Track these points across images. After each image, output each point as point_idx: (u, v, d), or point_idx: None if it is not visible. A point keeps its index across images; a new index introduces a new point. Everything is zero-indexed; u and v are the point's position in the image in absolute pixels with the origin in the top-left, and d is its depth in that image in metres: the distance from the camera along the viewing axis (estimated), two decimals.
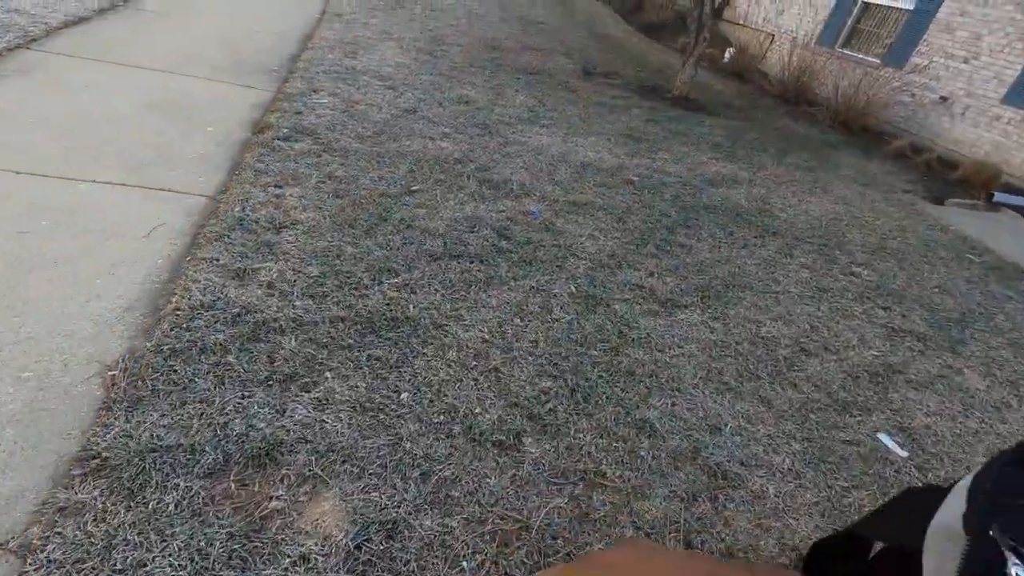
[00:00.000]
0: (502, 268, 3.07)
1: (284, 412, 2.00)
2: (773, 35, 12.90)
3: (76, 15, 5.43)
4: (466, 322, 2.64)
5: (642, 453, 2.15)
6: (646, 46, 12.10)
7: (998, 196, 5.93)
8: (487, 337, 2.58)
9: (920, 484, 2.30)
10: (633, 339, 2.76)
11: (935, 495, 0.39)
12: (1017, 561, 0.32)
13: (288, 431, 1.93)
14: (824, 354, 2.95)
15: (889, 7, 10.40)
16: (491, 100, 5.73)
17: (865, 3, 11.04)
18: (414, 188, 3.67)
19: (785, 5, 12.84)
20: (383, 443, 1.98)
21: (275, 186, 3.37)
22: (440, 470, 1.92)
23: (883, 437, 2.45)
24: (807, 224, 4.36)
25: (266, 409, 1.98)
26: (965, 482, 0.37)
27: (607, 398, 2.38)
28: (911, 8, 9.84)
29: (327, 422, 2.01)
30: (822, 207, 4.78)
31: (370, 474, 1.86)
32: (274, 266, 2.70)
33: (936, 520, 0.37)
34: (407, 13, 9.25)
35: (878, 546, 0.48)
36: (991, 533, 0.33)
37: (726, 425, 2.37)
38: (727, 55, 12.61)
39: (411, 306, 2.64)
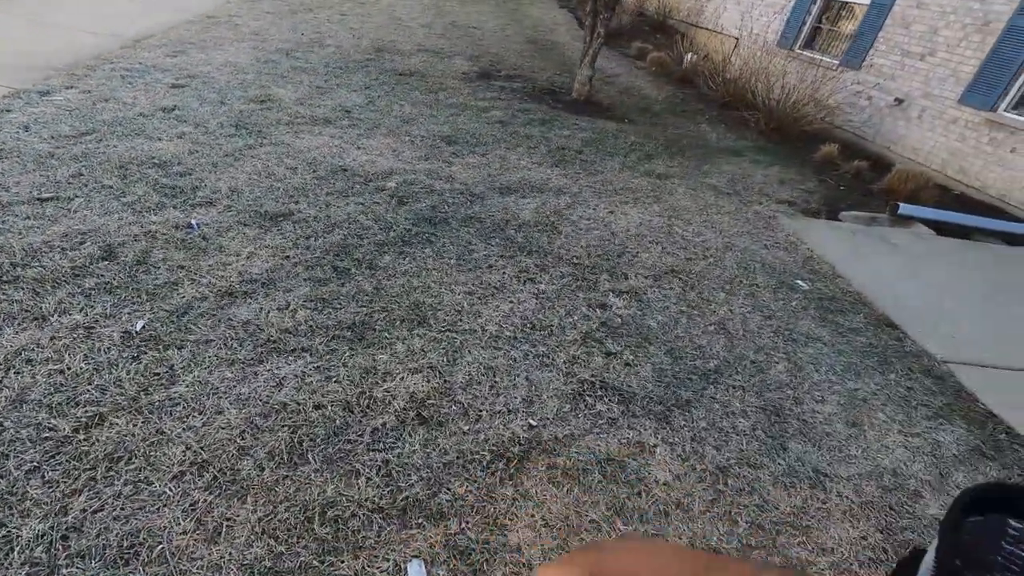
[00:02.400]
0: (54, 298, 2.32)
1: None
2: (737, 39, 12.11)
3: None
4: None
5: None
6: None
7: (903, 208, 4.91)
8: None
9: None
10: (151, 403, 1.96)
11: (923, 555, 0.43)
12: None
13: None
14: (452, 423, 2.09)
15: (850, 2, 9.45)
16: (301, 99, 5.03)
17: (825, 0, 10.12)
18: (46, 196, 2.97)
19: (746, 7, 11.99)
20: None
21: None
22: None
23: (413, 567, 1.59)
24: (592, 241, 3.48)
25: None
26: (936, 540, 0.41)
27: None
28: (867, 3, 8.88)
29: None
30: (635, 220, 3.88)
31: None
32: None
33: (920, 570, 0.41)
34: (308, 17, 8.70)
35: None
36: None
37: (156, 547, 1.55)
38: (686, 60, 11.79)
39: None
